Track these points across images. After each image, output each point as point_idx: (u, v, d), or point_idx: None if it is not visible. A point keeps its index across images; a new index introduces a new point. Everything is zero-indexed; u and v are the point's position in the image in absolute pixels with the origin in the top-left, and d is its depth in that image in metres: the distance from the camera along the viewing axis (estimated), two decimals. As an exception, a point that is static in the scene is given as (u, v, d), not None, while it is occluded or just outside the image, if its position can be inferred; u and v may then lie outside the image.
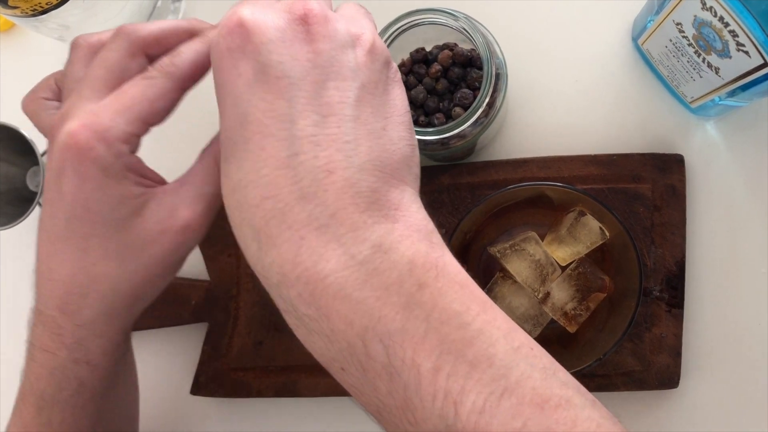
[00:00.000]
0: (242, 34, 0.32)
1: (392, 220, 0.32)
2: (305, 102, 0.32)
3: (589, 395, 0.31)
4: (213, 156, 0.39)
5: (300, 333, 0.32)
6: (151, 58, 0.39)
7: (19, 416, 0.42)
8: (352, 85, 0.33)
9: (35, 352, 0.41)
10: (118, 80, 0.38)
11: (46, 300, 0.39)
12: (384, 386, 0.30)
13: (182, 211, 0.38)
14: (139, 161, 0.39)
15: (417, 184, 0.35)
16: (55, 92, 0.43)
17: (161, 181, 0.40)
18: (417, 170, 0.36)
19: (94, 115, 0.36)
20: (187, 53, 0.38)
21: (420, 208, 0.34)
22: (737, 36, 0.39)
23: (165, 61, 0.38)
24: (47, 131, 0.40)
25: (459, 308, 0.31)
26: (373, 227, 0.31)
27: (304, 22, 0.33)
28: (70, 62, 0.40)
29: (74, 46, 0.40)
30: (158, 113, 0.38)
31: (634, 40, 0.54)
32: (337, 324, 0.30)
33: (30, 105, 0.43)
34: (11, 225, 0.56)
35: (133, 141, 0.37)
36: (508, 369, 0.30)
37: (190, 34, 0.40)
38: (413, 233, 0.32)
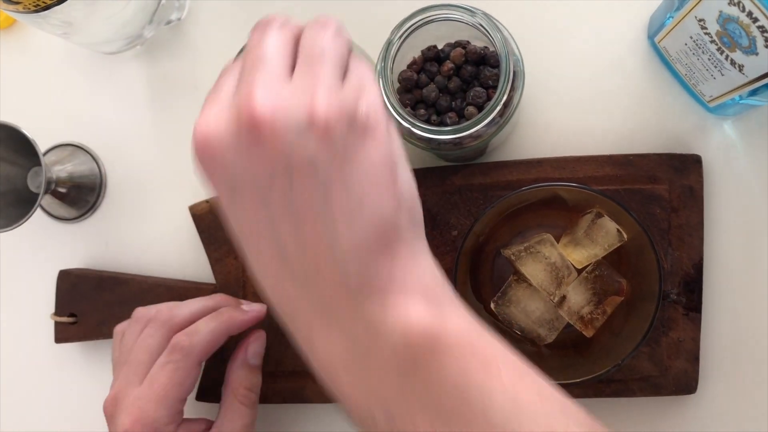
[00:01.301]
0: (204, 153, 0.33)
1: (384, 293, 0.34)
2: (280, 207, 0.33)
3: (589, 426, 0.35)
4: (232, 394, 0.51)
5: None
6: None
7: None
8: (316, 178, 0.32)
9: None
10: (155, 360, 0.48)
11: None
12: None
13: None
14: (187, 426, 0.49)
15: (411, 228, 0.36)
16: None
17: (203, 423, 0.51)
18: (407, 215, 0.35)
19: (139, 409, 0.46)
20: (203, 333, 0.48)
21: (416, 263, 0.35)
22: (766, 32, 0.38)
23: (184, 342, 0.47)
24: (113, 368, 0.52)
25: (457, 377, 0.32)
26: (367, 307, 0.33)
27: (251, 126, 0.31)
28: (128, 331, 0.51)
29: (134, 318, 0.52)
30: (188, 389, 0.48)
31: (650, 38, 0.53)
32: (348, 400, 0.35)
33: (116, 335, 0.53)
34: (13, 227, 0.54)
35: (177, 418, 0.48)
36: (505, 423, 0.32)
37: (226, 336, 0.50)
38: (408, 300, 0.34)
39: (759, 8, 0.37)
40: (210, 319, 0.49)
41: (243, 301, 0.54)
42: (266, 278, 0.35)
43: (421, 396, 0.32)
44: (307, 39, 0.35)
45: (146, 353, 0.48)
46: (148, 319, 0.50)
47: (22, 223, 0.55)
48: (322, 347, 0.34)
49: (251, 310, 0.52)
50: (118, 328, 0.53)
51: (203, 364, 0.49)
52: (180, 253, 0.60)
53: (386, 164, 0.34)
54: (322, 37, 0.35)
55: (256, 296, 0.57)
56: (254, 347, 0.53)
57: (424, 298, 0.34)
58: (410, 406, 0.32)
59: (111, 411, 0.48)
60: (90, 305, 0.60)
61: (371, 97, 0.34)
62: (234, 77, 0.35)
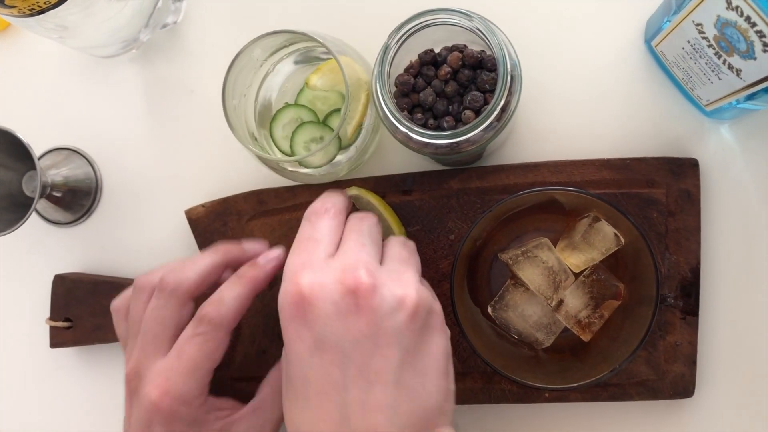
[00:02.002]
0: (302, 306, 0.39)
1: None
2: (356, 371, 0.38)
3: None
4: (270, 388, 0.49)
5: None
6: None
7: None
8: (395, 352, 0.38)
9: None
10: (174, 331, 0.46)
11: None
12: None
13: None
14: (213, 402, 0.47)
15: (451, 416, 0.41)
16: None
17: (233, 405, 0.49)
18: (451, 406, 0.41)
19: (167, 380, 0.44)
20: (230, 301, 0.46)
21: None
22: (764, 36, 0.38)
23: (213, 313, 0.45)
24: (122, 339, 0.50)
25: None
26: None
27: (355, 294, 0.39)
28: (133, 303, 0.48)
29: (137, 289, 0.48)
30: (218, 360, 0.46)
31: (647, 41, 0.53)
32: None
33: (115, 312, 0.51)
34: (8, 231, 0.54)
35: (206, 391, 0.46)
36: None
37: (225, 267, 0.49)
38: None
39: (757, 13, 0.37)
40: (234, 285, 0.47)
41: (245, 241, 0.51)
42: (316, 426, 0.38)
43: None
44: (394, 245, 0.45)
45: (160, 325, 0.46)
46: (153, 288, 0.48)
47: (18, 227, 0.54)
48: None
49: (269, 260, 0.49)
50: (117, 303, 0.51)
51: (229, 338, 0.47)
52: (176, 258, 0.60)
53: (446, 356, 0.41)
54: (406, 249, 0.45)
55: (253, 302, 0.56)
56: None
57: None
58: None
59: (134, 385, 0.46)
60: (85, 310, 0.59)
61: (439, 304, 0.43)
62: (329, 232, 0.43)
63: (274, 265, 0.49)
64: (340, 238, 0.43)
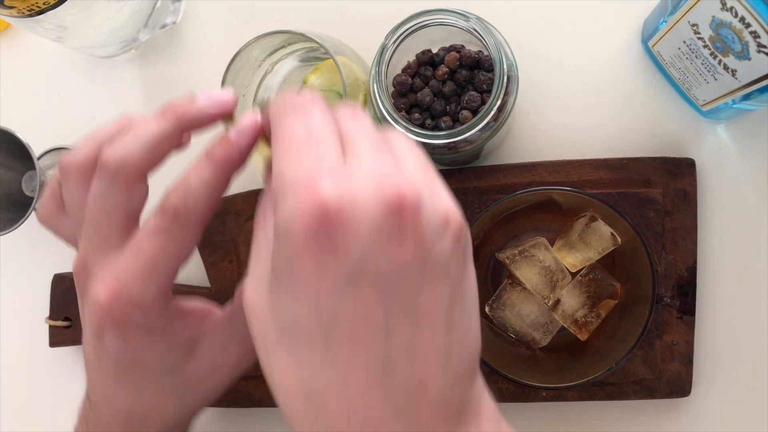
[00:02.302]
0: (329, 227, 0.28)
1: (476, 421, 0.31)
2: (400, 310, 0.29)
3: None
4: None
5: None
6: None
7: None
8: (444, 286, 0.30)
9: None
10: (124, 220, 0.36)
11: (107, 417, 0.39)
12: None
13: (234, 347, 0.38)
14: (178, 306, 0.38)
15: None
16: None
17: (204, 309, 0.40)
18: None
19: (119, 281, 0.34)
20: (198, 189, 0.35)
21: (485, 388, 0.33)
22: (759, 37, 0.38)
23: (177, 205, 0.34)
24: (72, 243, 0.40)
25: None
26: (464, 430, 0.31)
27: (399, 211, 0.28)
28: (65, 191, 0.38)
29: (63, 172, 0.38)
30: (184, 261, 0.36)
31: (644, 42, 0.53)
32: None
33: (46, 219, 0.41)
34: (7, 231, 0.54)
35: (169, 295, 0.36)
36: None
37: (179, 134, 0.36)
38: (491, 422, 0.32)
39: (751, 13, 0.37)
40: (202, 169, 0.35)
41: (197, 94, 0.37)
42: (343, 389, 0.29)
43: None
44: (396, 139, 0.33)
45: (105, 214, 0.36)
46: (81, 168, 0.37)
47: (17, 227, 0.55)
48: None
49: (241, 133, 0.35)
50: (42, 207, 0.41)
51: (201, 234, 0.36)
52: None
53: (476, 287, 0.33)
54: (409, 144, 0.33)
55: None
56: None
57: (495, 423, 0.33)
58: None
59: (82, 281, 0.36)
60: (85, 309, 0.60)
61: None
62: (330, 131, 0.31)
63: (249, 138, 0.35)
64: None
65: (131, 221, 0.36)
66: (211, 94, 0.37)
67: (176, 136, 0.36)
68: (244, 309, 0.32)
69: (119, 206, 0.35)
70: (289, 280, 0.29)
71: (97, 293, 0.35)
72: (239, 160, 0.36)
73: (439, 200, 0.30)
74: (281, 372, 0.30)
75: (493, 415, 0.33)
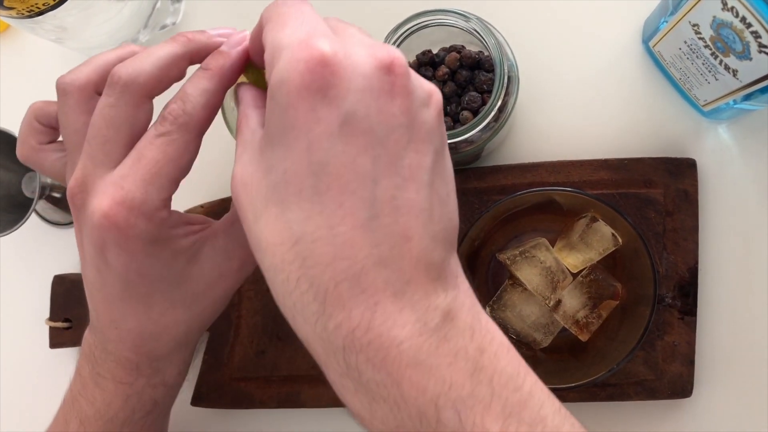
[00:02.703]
0: (326, 75, 0.30)
1: (455, 287, 0.32)
2: (388, 162, 0.31)
3: None
4: None
5: (360, 399, 0.31)
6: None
7: None
8: (429, 149, 0.32)
9: (105, 383, 0.41)
10: (129, 137, 0.36)
11: (115, 343, 0.40)
12: None
13: (237, 252, 0.39)
14: (179, 215, 0.38)
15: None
16: (44, 132, 0.42)
17: (203, 219, 0.40)
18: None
19: (122, 188, 0.35)
20: (197, 97, 0.36)
21: (464, 276, 0.34)
22: (760, 37, 0.38)
23: (176, 111, 0.35)
24: (59, 177, 0.40)
25: (512, 371, 0.31)
26: (443, 295, 0.31)
27: (390, 71, 0.31)
28: (62, 112, 0.38)
29: (61, 92, 0.38)
30: (185, 168, 0.36)
31: (645, 42, 0.53)
32: (408, 390, 0.30)
33: (29, 156, 0.42)
34: (7, 232, 0.54)
35: (169, 203, 0.37)
36: (557, 430, 0.31)
37: (188, 59, 0.38)
38: (468, 299, 0.33)
39: (752, 14, 0.37)
40: (199, 79, 0.36)
41: (207, 31, 0.39)
42: (330, 234, 0.30)
43: (489, 390, 0.30)
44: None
45: (112, 128, 0.36)
46: (85, 89, 0.38)
47: (17, 228, 0.55)
48: (387, 329, 0.30)
49: (233, 45, 0.38)
50: (36, 107, 0.42)
51: (200, 144, 0.37)
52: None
53: (452, 169, 0.35)
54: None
55: (251, 301, 0.57)
56: None
57: (476, 303, 0.33)
58: (480, 401, 0.30)
59: (80, 200, 0.36)
60: (85, 310, 0.59)
61: None
62: (318, 16, 0.33)
63: (241, 49, 0.38)
64: None
65: (135, 139, 0.36)
66: (219, 27, 0.39)
67: (185, 61, 0.37)
68: (232, 192, 0.33)
69: (126, 121, 0.36)
70: (283, 134, 0.31)
71: (99, 204, 0.35)
72: (233, 71, 0.37)
73: (422, 80, 0.33)
74: (270, 230, 0.31)
75: (470, 296, 0.33)
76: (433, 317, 0.31)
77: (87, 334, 0.42)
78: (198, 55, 0.38)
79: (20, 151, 0.42)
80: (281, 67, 0.30)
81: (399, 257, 0.30)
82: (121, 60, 0.38)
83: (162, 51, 0.37)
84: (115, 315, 0.39)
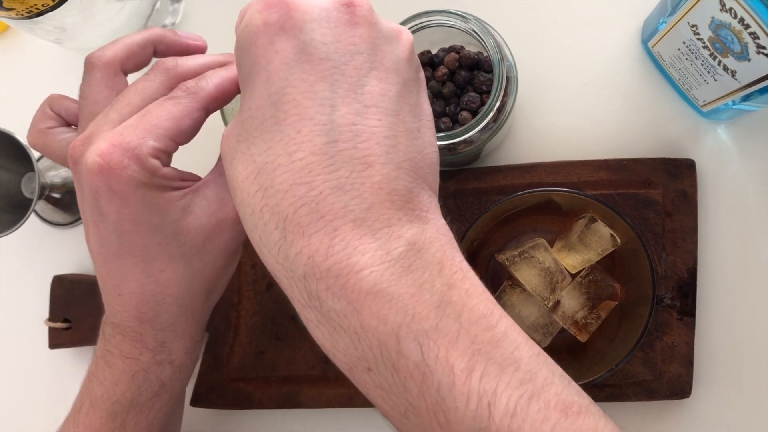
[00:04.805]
0: (282, 8, 0.31)
1: (424, 221, 0.32)
2: (347, 88, 0.31)
3: (598, 406, 0.31)
4: None
5: (322, 331, 0.31)
6: None
7: (86, 424, 0.42)
8: (394, 79, 0.32)
9: (115, 360, 0.41)
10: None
11: (120, 314, 0.40)
12: (415, 387, 0.29)
13: (230, 200, 0.38)
14: (174, 170, 0.38)
15: (437, 191, 0.35)
16: (55, 119, 0.43)
17: (194, 175, 0.40)
18: (438, 178, 0.35)
19: (120, 135, 0.36)
20: (213, 78, 0.38)
21: (441, 216, 0.33)
22: (758, 38, 0.38)
23: (190, 83, 0.38)
24: (64, 158, 0.40)
25: (485, 310, 0.30)
26: (408, 225, 0.31)
27: (350, 4, 0.32)
28: (87, 83, 0.40)
29: (90, 67, 0.40)
30: (184, 132, 0.37)
31: (644, 42, 0.53)
32: (368, 320, 0.29)
33: (38, 139, 0.43)
34: (7, 233, 0.54)
35: (163, 158, 0.37)
36: (533, 373, 0.29)
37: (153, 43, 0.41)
38: (440, 236, 0.32)
39: (750, 15, 0.37)
40: (222, 68, 0.39)
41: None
42: (289, 161, 0.30)
43: (456, 325, 0.29)
44: None
45: (138, 95, 0.38)
46: (111, 65, 0.40)
47: (16, 228, 0.55)
48: (346, 255, 0.29)
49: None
50: (52, 97, 0.44)
51: (208, 115, 0.39)
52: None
53: (433, 122, 0.35)
54: None
55: (250, 301, 0.57)
56: None
57: (450, 244, 0.32)
58: (445, 335, 0.29)
59: (79, 150, 0.37)
60: (84, 311, 0.60)
61: None
62: None
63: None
64: None
65: None
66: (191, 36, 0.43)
67: (237, 88, 0.39)
68: (221, 151, 0.34)
69: (157, 93, 0.38)
70: (249, 74, 0.32)
71: (96, 148, 0.35)
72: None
73: (394, 24, 0.34)
74: (238, 167, 0.32)
75: (444, 231, 0.32)
76: (396, 246, 0.30)
77: (103, 319, 0.42)
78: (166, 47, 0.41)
79: (30, 135, 0.43)
80: (245, 18, 0.32)
81: (359, 183, 0.30)
82: (148, 42, 0.41)
83: (208, 57, 0.40)
84: (116, 277, 0.39)
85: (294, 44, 0.31)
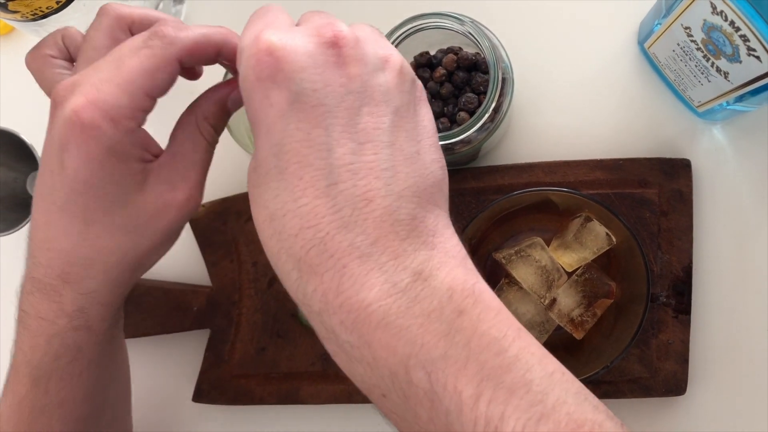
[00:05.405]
0: (272, 63, 0.32)
1: (430, 246, 0.32)
2: (341, 129, 0.32)
3: (617, 419, 0.31)
4: (195, 123, 0.40)
5: (340, 360, 0.32)
6: None
7: (13, 392, 0.42)
8: (386, 110, 0.33)
9: (30, 321, 0.40)
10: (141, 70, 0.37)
11: (44, 269, 0.40)
12: (425, 413, 0.30)
13: (181, 185, 0.39)
14: (146, 135, 0.38)
15: (447, 205, 0.35)
16: (61, 50, 0.43)
17: (159, 149, 0.40)
18: (447, 191, 0.35)
19: (97, 90, 0.35)
20: (193, 31, 0.37)
21: (453, 233, 0.34)
22: (748, 40, 0.38)
23: (168, 30, 0.37)
24: (50, 91, 0.40)
25: (496, 334, 0.30)
26: (413, 254, 0.32)
27: (335, 45, 0.33)
28: (93, 28, 0.40)
29: (102, 13, 0.40)
30: (159, 86, 0.37)
31: (640, 43, 0.54)
32: (379, 352, 0.30)
33: (35, 61, 0.43)
34: (11, 231, 0.55)
35: (138, 116, 0.37)
36: (544, 395, 0.30)
37: (218, 52, 0.39)
38: (450, 259, 0.32)
39: (740, 18, 0.38)
40: (204, 26, 0.39)
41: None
42: (295, 206, 0.32)
43: (465, 352, 0.30)
44: (357, 24, 0.37)
45: (131, 57, 0.37)
46: (121, 20, 0.40)
47: (21, 227, 0.55)
48: (355, 291, 0.31)
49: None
50: (69, 30, 0.43)
51: (178, 70, 0.37)
52: (176, 257, 0.60)
53: (435, 131, 0.36)
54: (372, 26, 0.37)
55: (252, 299, 0.57)
56: (238, 94, 0.40)
57: (461, 264, 0.32)
58: (453, 363, 0.30)
59: (62, 96, 0.36)
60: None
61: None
62: (284, 14, 0.35)
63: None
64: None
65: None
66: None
67: (215, 49, 0.39)
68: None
69: (146, 63, 0.37)
70: (254, 124, 0.33)
71: (75, 101, 0.35)
72: (234, 50, 0.39)
73: (380, 47, 0.34)
74: (255, 211, 0.33)
75: (454, 254, 0.33)
76: (402, 277, 0.31)
77: (24, 273, 0.42)
78: (227, 50, 0.39)
79: (30, 55, 0.43)
80: (241, 69, 0.33)
81: (362, 219, 0.31)
82: (160, 20, 0.40)
83: (208, 28, 0.39)
84: (51, 231, 0.39)
85: (287, 96, 0.32)
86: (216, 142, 0.42)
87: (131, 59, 0.36)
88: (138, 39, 0.37)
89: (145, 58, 0.36)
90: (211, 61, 0.39)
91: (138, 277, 0.43)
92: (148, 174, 0.39)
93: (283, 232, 0.32)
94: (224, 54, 0.39)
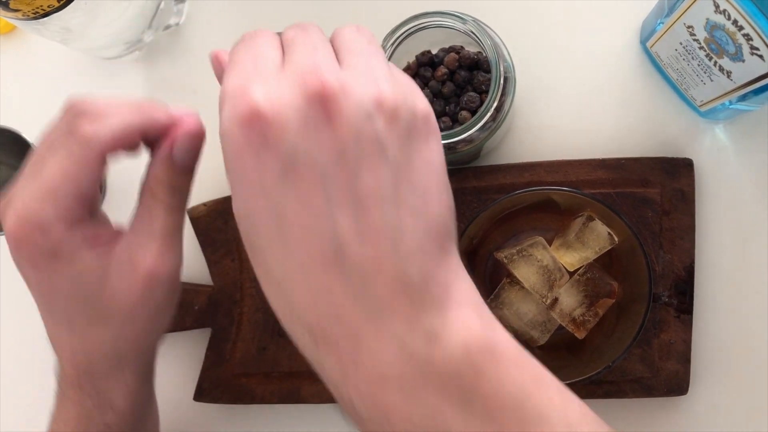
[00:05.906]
0: (260, 127, 0.30)
1: (443, 303, 0.31)
2: (341, 195, 0.30)
3: None
4: (149, 191, 0.39)
5: (357, 420, 0.32)
6: None
7: None
8: (384, 167, 0.31)
9: (63, 399, 0.41)
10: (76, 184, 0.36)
11: (60, 359, 0.41)
12: None
13: (141, 262, 0.38)
14: (87, 226, 0.37)
15: (456, 239, 0.34)
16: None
17: (114, 235, 0.39)
18: (455, 225, 0.34)
19: (24, 205, 0.35)
20: (111, 119, 0.36)
21: (465, 276, 0.33)
22: (751, 39, 0.38)
23: (85, 130, 0.35)
24: None
25: (516, 392, 0.30)
26: (426, 316, 0.30)
27: (322, 99, 0.30)
28: (69, 159, 0.37)
29: (83, 140, 0.37)
30: (86, 186, 0.36)
31: (643, 42, 0.54)
32: (398, 425, 0.30)
33: None
34: (12, 230, 0.55)
35: (71, 216, 0.36)
36: None
37: (143, 132, 0.37)
38: (464, 310, 0.31)
39: (743, 17, 0.37)
40: (124, 106, 0.36)
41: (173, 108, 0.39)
42: (304, 277, 0.30)
43: (483, 417, 0.30)
44: (346, 36, 0.35)
45: (47, 149, 0.36)
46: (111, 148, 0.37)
47: (23, 226, 0.55)
48: (370, 361, 0.30)
49: (181, 113, 0.38)
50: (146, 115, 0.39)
51: (107, 166, 0.37)
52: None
53: (443, 167, 0.33)
54: (362, 37, 0.35)
55: (253, 298, 0.57)
56: (183, 141, 0.38)
57: (475, 312, 0.32)
58: (472, 429, 0.29)
59: (2, 212, 0.37)
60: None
61: (425, 99, 0.33)
62: (271, 47, 0.33)
63: (187, 120, 0.38)
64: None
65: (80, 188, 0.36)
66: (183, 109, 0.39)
67: (138, 131, 0.37)
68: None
69: (79, 172, 0.36)
70: (240, 182, 0.31)
71: (8, 219, 0.35)
72: (159, 127, 0.37)
73: (368, 83, 0.31)
74: (258, 271, 0.32)
75: (468, 302, 0.32)
76: (417, 343, 0.30)
77: None
78: (152, 129, 0.37)
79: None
80: (225, 122, 0.31)
81: (373, 288, 0.30)
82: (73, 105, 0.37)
83: (126, 116, 0.36)
84: (53, 337, 0.40)
85: (279, 160, 0.30)
86: (181, 204, 0.40)
87: (51, 165, 0.35)
88: (57, 134, 0.36)
89: (66, 162, 0.35)
90: (135, 148, 0.38)
91: (149, 355, 0.42)
92: (109, 262, 0.38)
93: (294, 303, 0.31)
94: (149, 136, 0.37)
